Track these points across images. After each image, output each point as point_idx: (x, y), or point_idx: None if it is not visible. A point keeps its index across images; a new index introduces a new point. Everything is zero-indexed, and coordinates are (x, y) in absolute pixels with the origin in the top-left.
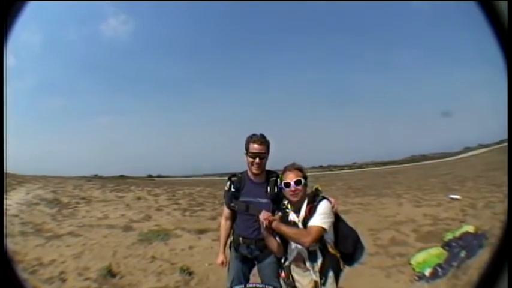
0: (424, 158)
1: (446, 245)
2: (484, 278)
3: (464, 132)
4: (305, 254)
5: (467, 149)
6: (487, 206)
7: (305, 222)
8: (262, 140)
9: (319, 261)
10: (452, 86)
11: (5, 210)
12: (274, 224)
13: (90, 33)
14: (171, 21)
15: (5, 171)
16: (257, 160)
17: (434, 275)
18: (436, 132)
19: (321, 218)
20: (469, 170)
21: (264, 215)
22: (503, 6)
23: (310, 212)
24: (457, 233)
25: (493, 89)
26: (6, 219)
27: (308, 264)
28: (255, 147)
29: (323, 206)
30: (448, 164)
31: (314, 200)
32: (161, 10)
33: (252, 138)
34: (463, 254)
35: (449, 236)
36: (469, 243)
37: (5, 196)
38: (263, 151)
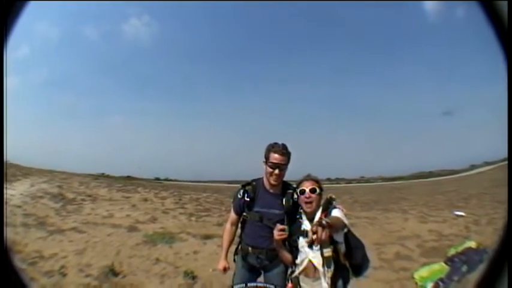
0: (431, 174)
1: (449, 260)
2: (485, 278)
3: (470, 150)
4: (319, 260)
5: (473, 167)
6: (490, 222)
7: None
8: (284, 151)
9: (332, 268)
10: (460, 101)
11: (4, 206)
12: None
13: (110, 32)
14: (193, 27)
15: (4, 168)
16: (277, 171)
17: None
18: (444, 149)
19: (342, 215)
20: (474, 187)
21: (277, 234)
22: (503, 6)
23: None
24: (460, 249)
25: (500, 105)
26: (7, 211)
27: (322, 271)
28: (276, 157)
29: (338, 212)
30: (454, 181)
31: (328, 207)
32: (184, 14)
33: (273, 148)
34: (464, 268)
35: (452, 252)
36: (471, 258)
37: (5, 193)
38: (284, 162)
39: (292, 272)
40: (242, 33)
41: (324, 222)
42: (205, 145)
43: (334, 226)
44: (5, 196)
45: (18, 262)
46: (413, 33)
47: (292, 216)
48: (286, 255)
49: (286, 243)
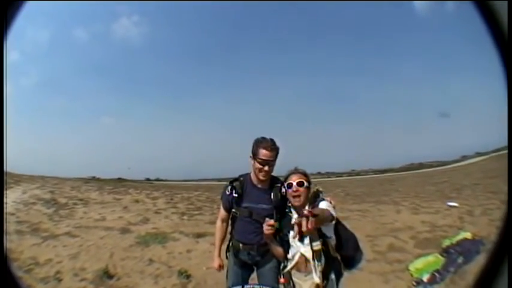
0: (422, 166)
1: (444, 252)
2: (484, 274)
3: (461, 141)
4: (309, 254)
5: (464, 158)
6: (484, 213)
7: None
8: (273, 147)
9: (323, 261)
10: (450, 93)
11: (5, 214)
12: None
13: (100, 32)
14: (182, 25)
15: (5, 171)
16: (266, 168)
17: (432, 281)
18: (434, 141)
19: (331, 208)
20: (466, 178)
21: (266, 228)
22: (503, 6)
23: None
24: (455, 240)
25: (491, 97)
26: (6, 220)
27: (312, 264)
28: (265, 153)
29: (324, 204)
30: (446, 172)
31: (315, 200)
32: (174, 13)
33: (262, 143)
34: (460, 259)
35: (447, 243)
36: (466, 249)
37: (5, 200)
38: (273, 158)
39: (285, 266)
40: (234, 29)
41: (305, 212)
42: (195, 144)
43: (318, 216)
44: (5, 206)
45: (15, 270)
46: (404, 26)
47: (281, 210)
48: (278, 250)
49: (278, 238)
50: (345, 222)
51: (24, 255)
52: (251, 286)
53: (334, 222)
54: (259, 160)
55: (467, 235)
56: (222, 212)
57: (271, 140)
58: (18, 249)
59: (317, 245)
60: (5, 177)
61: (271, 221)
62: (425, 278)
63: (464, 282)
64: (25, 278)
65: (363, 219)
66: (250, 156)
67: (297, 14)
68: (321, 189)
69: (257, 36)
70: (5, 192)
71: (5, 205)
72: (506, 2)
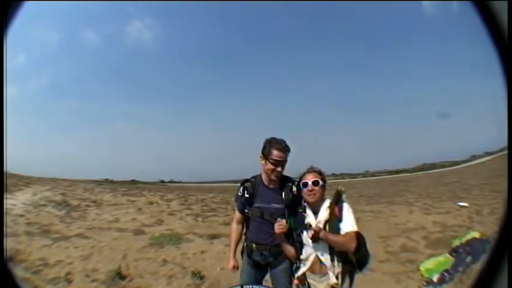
0: (434, 166)
1: (454, 251)
2: (484, 274)
3: (471, 140)
4: (326, 255)
5: (474, 157)
6: (492, 212)
7: (328, 224)
8: (286, 147)
9: (340, 263)
10: (458, 92)
11: (4, 212)
12: (322, 234)
13: (112, 35)
14: (196, 28)
15: (5, 171)
16: (279, 168)
17: (442, 281)
18: (445, 141)
19: (353, 223)
20: (475, 178)
21: (278, 228)
22: (503, 6)
23: (337, 212)
24: (464, 240)
25: (499, 96)
26: (8, 221)
27: (329, 265)
28: (279, 154)
29: (349, 210)
30: (456, 172)
31: (338, 200)
32: (188, 15)
33: (275, 144)
34: (469, 259)
35: (456, 243)
36: (475, 248)
37: (5, 196)
38: (285, 158)
39: (298, 267)
40: (247, 33)
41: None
42: (209, 146)
43: (337, 242)
44: (5, 206)
45: (22, 271)
46: (412, 27)
47: (293, 209)
48: (290, 250)
49: (290, 238)
50: (358, 224)
51: (33, 257)
52: (250, 287)
53: (356, 230)
54: (272, 161)
55: (476, 234)
56: (237, 214)
57: (283, 140)
58: (27, 250)
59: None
60: (5, 177)
61: (283, 221)
62: (435, 278)
63: (471, 281)
64: (33, 279)
65: (376, 220)
66: (261, 157)
67: (306, 15)
68: (343, 189)
69: (271, 37)
70: (5, 192)
71: (5, 205)
72: (506, 2)
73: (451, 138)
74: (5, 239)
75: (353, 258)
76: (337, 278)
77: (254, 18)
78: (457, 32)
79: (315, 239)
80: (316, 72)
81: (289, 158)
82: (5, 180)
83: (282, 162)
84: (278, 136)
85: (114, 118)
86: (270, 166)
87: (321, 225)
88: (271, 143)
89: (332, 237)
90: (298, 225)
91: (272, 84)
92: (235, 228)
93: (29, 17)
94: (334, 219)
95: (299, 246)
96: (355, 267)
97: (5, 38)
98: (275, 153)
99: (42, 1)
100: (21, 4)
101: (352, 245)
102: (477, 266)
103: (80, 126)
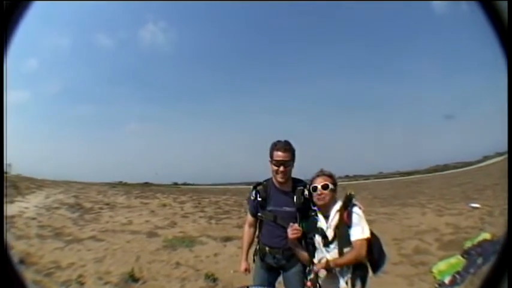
0: (447, 167)
1: (465, 253)
2: (487, 279)
3: (483, 141)
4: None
5: (486, 158)
6: (503, 213)
7: (338, 229)
8: (287, 147)
9: (351, 268)
10: (469, 93)
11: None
12: (332, 265)
13: (125, 39)
14: (210, 31)
15: (4, 169)
16: (281, 168)
17: (453, 283)
18: (458, 141)
19: (364, 229)
20: (487, 179)
21: (291, 233)
22: (503, 6)
23: (345, 218)
24: (475, 241)
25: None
26: (6, 220)
27: (340, 270)
28: (279, 154)
29: (360, 214)
30: (469, 173)
31: (348, 205)
32: (202, 19)
33: (276, 146)
34: (480, 261)
35: (468, 244)
36: (486, 250)
37: (4, 194)
38: (287, 158)
39: (310, 270)
40: (259, 35)
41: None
42: (223, 148)
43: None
44: (5, 206)
45: (34, 274)
46: (423, 26)
47: (304, 212)
48: (303, 254)
49: (303, 242)
50: (372, 226)
51: (44, 260)
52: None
53: (367, 236)
54: (274, 162)
55: (487, 236)
56: (249, 217)
57: (286, 141)
58: (39, 253)
59: (348, 251)
60: (5, 177)
61: (296, 225)
62: (447, 280)
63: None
64: (44, 281)
65: (390, 222)
66: (269, 161)
67: (314, 15)
68: (353, 193)
69: (286, 41)
70: (5, 192)
71: (5, 205)
72: (506, 2)
73: (464, 139)
74: (5, 237)
75: (366, 262)
76: (347, 283)
77: (267, 21)
78: (468, 32)
79: (294, 242)
80: (330, 73)
81: (301, 160)
82: (5, 179)
83: (283, 162)
84: (290, 138)
85: (128, 121)
86: (273, 167)
87: (332, 231)
88: (273, 145)
89: (342, 261)
90: (310, 229)
91: (285, 88)
92: (247, 231)
93: (42, 23)
94: (344, 225)
95: (312, 249)
96: (367, 271)
97: (4, 38)
98: (276, 154)
99: (48, 1)
100: (25, 4)
101: (362, 253)
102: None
103: (94, 129)
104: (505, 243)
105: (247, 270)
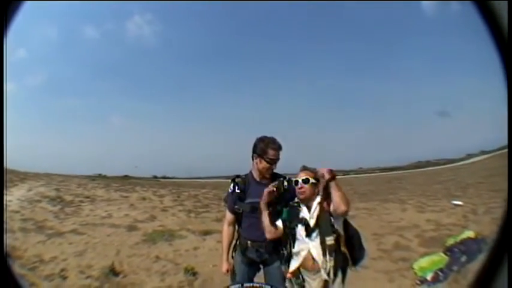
0: (429, 164)
1: (448, 250)
2: (483, 273)
3: (467, 139)
4: (318, 251)
5: (470, 156)
6: (488, 211)
7: (320, 218)
8: (280, 146)
9: (333, 257)
10: (455, 91)
11: (5, 210)
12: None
13: (111, 31)
14: (195, 25)
15: (5, 168)
16: (274, 166)
17: (436, 279)
18: (440, 139)
19: None
20: (471, 177)
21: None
22: (503, 6)
23: (326, 206)
24: (458, 239)
25: (495, 95)
26: (6, 217)
27: (322, 260)
28: (274, 153)
29: None
30: (452, 170)
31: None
32: (188, 12)
33: (270, 144)
34: (463, 258)
35: (450, 242)
36: (470, 248)
37: (5, 193)
38: (279, 156)
39: (289, 258)
40: (245, 29)
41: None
42: (202, 142)
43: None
44: (5, 203)
45: (19, 268)
46: (411, 26)
47: (285, 203)
48: (266, 220)
49: (285, 231)
50: (351, 221)
51: (28, 253)
52: (251, 285)
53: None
54: (268, 160)
55: (471, 234)
56: (228, 215)
57: (275, 139)
58: (23, 247)
59: (330, 240)
60: (5, 177)
61: (276, 183)
62: (429, 276)
63: (466, 281)
64: (29, 275)
65: (369, 217)
66: (254, 156)
67: (306, 14)
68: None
69: (270, 36)
70: (5, 192)
71: (5, 205)
72: (506, 2)
73: (447, 137)
74: (5, 236)
75: (346, 252)
76: (328, 274)
77: (252, 16)
78: (455, 31)
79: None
80: (312, 70)
81: (283, 156)
82: (5, 179)
83: (276, 161)
84: (270, 134)
85: (109, 114)
86: (265, 165)
87: (314, 221)
88: (266, 142)
89: (340, 188)
90: (293, 217)
91: (267, 85)
92: (226, 229)
93: (29, 14)
94: (325, 213)
95: (291, 239)
96: (348, 263)
97: (5, 38)
98: (271, 153)
99: (42, 1)
100: (21, 4)
101: (346, 208)
102: (472, 266)
103: (75, 122)
104: (503, 236)
105: (229, 271)
